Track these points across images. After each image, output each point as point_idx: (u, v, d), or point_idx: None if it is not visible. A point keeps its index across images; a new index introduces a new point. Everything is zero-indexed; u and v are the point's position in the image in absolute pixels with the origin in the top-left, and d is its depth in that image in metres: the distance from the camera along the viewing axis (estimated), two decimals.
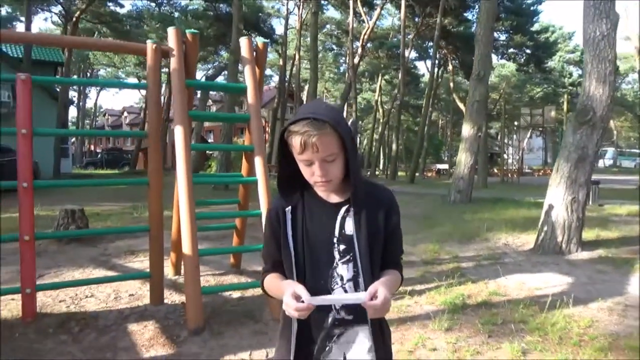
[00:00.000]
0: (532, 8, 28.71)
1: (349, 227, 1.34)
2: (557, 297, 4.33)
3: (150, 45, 3.90)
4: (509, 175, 28.38)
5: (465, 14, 28.54)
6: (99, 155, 44.96)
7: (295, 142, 1.25)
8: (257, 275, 4.74)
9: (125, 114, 65.11)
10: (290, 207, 1.37)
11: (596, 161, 12.60)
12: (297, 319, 1.26)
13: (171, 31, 3.99)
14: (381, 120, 36.38)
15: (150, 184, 3.91)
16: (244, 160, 4.72)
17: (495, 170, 32.80)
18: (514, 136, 45.97)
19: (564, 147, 6.22)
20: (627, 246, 6.43)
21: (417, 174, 28.12)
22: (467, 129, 11.32)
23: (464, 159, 11.30)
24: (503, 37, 30.62)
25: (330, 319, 1.33)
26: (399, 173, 33.12)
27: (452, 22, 28.06)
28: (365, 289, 1.25)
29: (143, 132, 3.93)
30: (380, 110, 37.91)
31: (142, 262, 5.54)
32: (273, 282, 1.39)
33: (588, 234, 7.02)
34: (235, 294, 4.41)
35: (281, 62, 29.92)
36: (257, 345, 3.32)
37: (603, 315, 4.02)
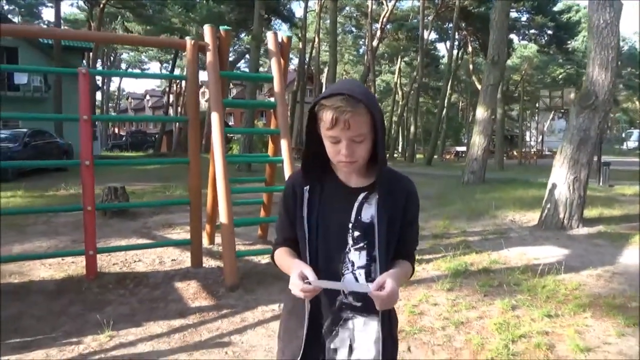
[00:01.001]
0: None
1: (366, 215, 1.32)
2: (551, 265, 4.82)
3: (189, 42, 4.46)
4: (529, 157, 28.42)
5: None
6: (124, 138, 46.07)
7: (326, 116, 1.21)
8: None
9: (148, 97, 66.24)
10: (308, 186, 1.35)
11: (600, 142, 12.82)
12: (310, 300, 1.29)
13: (207, 28, 4.54)
14: (400, 103, 36.52)
15: (190, 163, 4.51)
16: (270, 141, 5.29)
17: (515, 153, 32.77)
18: (536, 118, 45.58)
19: (568, 130, 6.62)
20: (627, 223, 6.84)
21: (435, 157, 28.39)
22: (481, 112, 11.68)
23: (477, 141, 11.68)
24: (524, 17, 30.32)
25: (337, 303, 1.33)
26: (418, 155, 33.37)
27: (472, 3, 27.92)
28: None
29: (185, 118, 4.49)
30: (400, 93, 38.00)
31: (178, 234, 6.18)
32: (283, 258, 1.38)
33: (591, 212, 7.43)
34: (264, 260, 5.03)
35: (300, 46, 30.22)
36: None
37: (591, 280, 4.51)
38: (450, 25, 29.92)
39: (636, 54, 47.13)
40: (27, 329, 3.30)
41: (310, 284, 1.19)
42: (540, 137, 33.19)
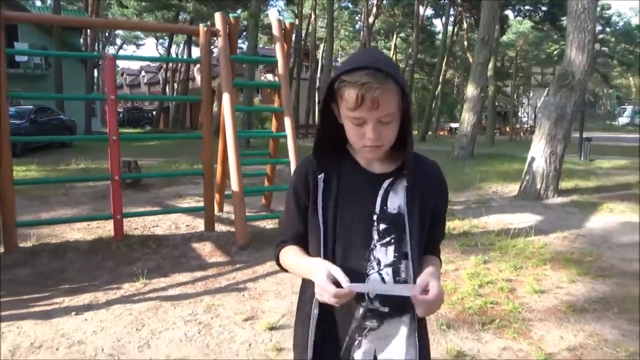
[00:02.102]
0: None
1: (393, 205, 1.14)
2: (524, 229, 5.45)
3: (202, 28, 4.95)
4: (520, 133, 29.00)
5: None
6: (121, 115, 46.15)
7: (350, 95, 1.03)
8: None
9: (143, 73, 65.81)
10: (323, 174, 1.16)
11: (582, 119, 13.38)
12: (319, 304, 1.11)
13: (218, 16, 5.02)
14: None
15: (204, 138, 5.05)
16: (273, 119, 5.83)
17: (508, 129, 33.31)
18: (530, 94, 45.95)
19: (546, 107, 7.18)
20: (599, 193, 7.48)
21: (429, 133, 28.90)
22: (470, 90, 12.20)
23: (467, 117, 12.24)
24: None
25: (361, 310, 1.13)
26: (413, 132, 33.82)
27: None
28: (414, 276, 1.09)
29: (198, 97, 5.00)
30: None
31: (189, 203, 6.76)
32: (295, 257, 1.19)
33: (568, 183, 8.06)
34: (269, 225, 5.63)
35: (297, 22, 30.34)
36: None
37: (556, 241, 5.15)
38: (446, 0, 30.07)
39: (631, 30, 47.32)
40: (71, 279, 3.90)
41: (342, 287, 1.00)
42: (533, 113, 33.66)
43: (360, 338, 1.15)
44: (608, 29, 46.95)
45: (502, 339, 2.88)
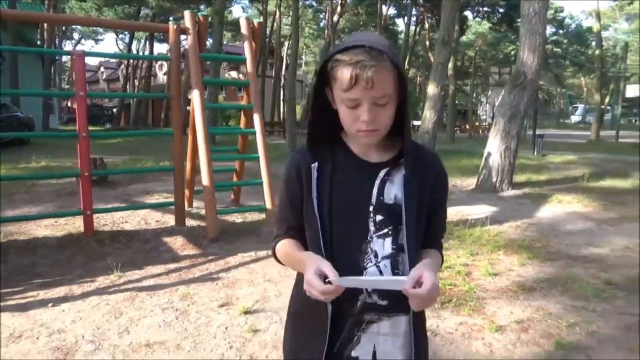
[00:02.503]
0: None
1: (389, 195, 1.11)
2: (480, 219, 5.80)
3: (171, 26, 5.04)
4: (479, 130, 29.99)
5: None
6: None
7: (343, 74, 1.00)
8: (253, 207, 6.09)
9: (102, 69, 64.03)
10: (317, 164, 1.12)
11: (535, 117, 14.08)
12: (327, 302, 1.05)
13: (187, 14, 5.12)
14: None
15: (174, 134, 5.15)
16: (242, 115, 5.96)
17: (468, 127, 34.36)
18: (489, 93, 47.44)
19: (501, 106, 7.60)
20: (549, 186, 7.97)
21: None
22: (431, 89, 12.55)
23: (428, 115, 12.58)
24: None
25: (359, 303, 1.10)
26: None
27: None
28: (410, 269, 1.03)
29: (166, 95, 5.08)
30: None
31: (157, 199, 6.79)
32: (289, 252, 1.17)
33: (521, 177, 8.54)
34: (238, 219, 5.77)
35: (261, 19, 30.28)
36: (259, 249, 4.65)
37: (510, 229, 5.52)
38: (408, 1, 30.71)
39: (582, 32, 49.54)
40: (44, 274, 3.94)
41: (331, 283, 0.97)
42: (491, 111, 34.83)
43: (359, 333, 1.11)
44: (561, 31, 49.03)
45: (459, 316, 3.15)
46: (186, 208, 6.15)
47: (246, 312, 3.14)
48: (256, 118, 5.22)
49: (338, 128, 1.13)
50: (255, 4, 31.54)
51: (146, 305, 3.29)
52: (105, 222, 5.55)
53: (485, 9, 31.33)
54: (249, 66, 5.32)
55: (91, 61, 69.47)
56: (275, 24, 32.26)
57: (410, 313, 1.11)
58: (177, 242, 4.84)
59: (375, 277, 1.08)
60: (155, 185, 7.76)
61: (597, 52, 23.18)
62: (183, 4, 24.27)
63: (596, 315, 3.18)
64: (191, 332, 2.89)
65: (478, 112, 48.66)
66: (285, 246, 1.18)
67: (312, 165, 1.12)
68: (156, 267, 4.12)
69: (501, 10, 31.24)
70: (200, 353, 2.65)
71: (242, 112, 5.99)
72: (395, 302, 1.08)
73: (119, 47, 48.38)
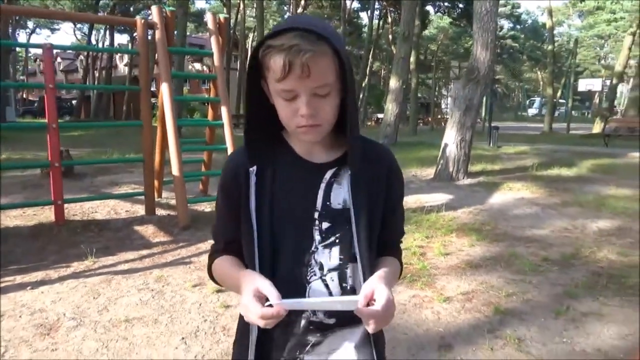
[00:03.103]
0: None
1: (337, 199, 1.00)
2: (437, 206, 6.20)
3: (139, 20, 5.17)
4: (442, 123, 30.86)
5: None
6: (35, 104, 43.35)
7: (276, 62, 0.86)
8: None
9: (59, 59, 61.83)
10: (255, 168, 1.00)
11: (490, 110, 14.76)
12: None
13: (154, 9, 5.26)
14: None
15: (143, 125, 5.29)
16: (209, 108, 6.14)
17: (430, 119, 35.26)
18: (450, 86, 48.65)
19: (456, 99, 8.04)
20: (501, 175, 8.50)
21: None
22: (393, 82, 13.05)
23: (390, 108, 13.11)
24: None
25: (303, 323, 1.00)
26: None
27: None
28: (363, 281, 0.94)
29: (138, 88, 5.21)
30: None
31: (125, 190, 6.90)
32: (227, 270, 1.03)
33: (476, 167, 9.04)
34: (207, 208, 5.97)
35: (225, 11, 30.09)
36: None
37: (463, 215, 5.94)
38: None
39: (538, 28, 51.40)
40: (19, 261, 4.06)
41: (272, 306, 0.85)
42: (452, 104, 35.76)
43: (301, 356, 1.00)
44: (518, 26, 50.72)
45: (412, 290, 3.50)
46: (155, 198, 6.31)
47: (218, 291, 3.38)
48: (224, 110, 5.42)
49: (279, 124, 0.98)
50: None
51: (122, 287, 3.49)
52: (74, 212, 5.64)
53: (446, 4, 32.12)
54: (216, 60, 5.51)
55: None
56: (239, 16, 32.13)
57: (360, 330, 1.01)
58: (148, 230, 5.01)
59: (323, 297, 0.97)
60: (122, 176, 7.83)
61: (549, 47, 24.19)
62: None
63: (532, 286, 3.60)
64: (167, 309, 3.12)
65: (441, 105, 49.80)
66: (222, 264, 1.04)
67: (251, 169, 0.99)
68: (129, 253, 4.30)
69: (461, 5, 32.11)
70: (177, 326, 2.89)
71: (208, 105, 6.17)
72: (343, 320, 0.96)
73: (76, 37, 46.90)
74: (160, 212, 5.73)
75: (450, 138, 7.99)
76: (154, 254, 4.32)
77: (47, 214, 5.35)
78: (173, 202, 6.00)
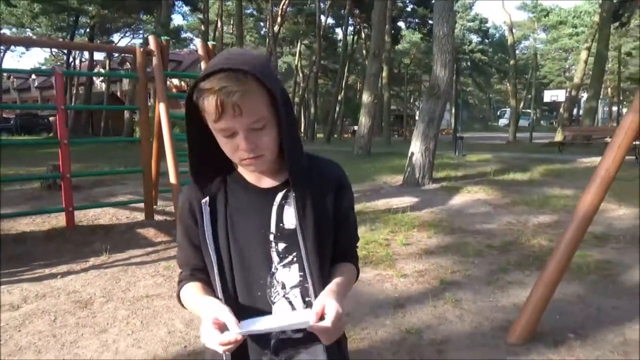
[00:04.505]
0: None
1: (290, 220, 1.04)
2: (403, 207, 7.05)
3: (138, 49, 5.92)
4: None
5: None
6: (12, 121, 43.12)
7: (209, 104, 0.91)
8: None
9: (34, 76, 61.43)
10: (207, 199, 1.04)
11: (455, 121, 15.78)
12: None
13: (152, 38, 6.00)
14: (301, 85, 38.53)
15: (142, 142, 6.02)
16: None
17: (403, 130, 36.47)
18: (422, 99, 50.19)
19: (421, 112, 8.97)
20: (463, 180, 9.43)
21: (335, 135, 30.96)
22: (365, 97, 14.02)
23: (364, 121, 14.06)
24: (409, 7, 33.68)
25: (272, 342, 1.03)
26: (318, 135, 35.84)
27: None
28: (315, 297, 1.00)
29: (136, 107, 5.94)
30: (300, 75, 39.99)
31: (121, 200, 7.56)
32: (192, 297, 1.05)
33: (441, 173, 9.97)
34: None
35: (203, 28, 30.87)
36: None
37: (426, 214, 6.80)
38: (345, 11, 32.35)
39: (505, 42, 53.55)
40: (42, 258, 4.72)
41: (230, 331, 0.90)
42: None
43: None
44: (486, 40, 52.80)
45: (377, 270, 4.31)
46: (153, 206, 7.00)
47: None
48: None
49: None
50: (197, 13, 32.01)
51: (137, 274, 4.21)
52: (80, 219, 6.29)
53: (416, 20, 33.56)
54: None
55: (23, 65, 66.34)
56: (217, 33, 32.91)
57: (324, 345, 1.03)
58: (149, 233, 5.71)
59: (277, 317, 1.00)
60: (115, 188, 8.48)
61: (511, 62, 25.69)
62: (125, 12, 24.44)
63: (473, 266, 4.45)
64: None
65: (415, 116, 51.28)
66: (187, 292, 1.08)
67: (203, 201, 1.04)
68: (137, 251, 5.00)
69: (430, 22, 33.62)
70: None
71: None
72: (311, 333, 0.96)
73: (52, 54, 47.00)
74: (157, 217, 6.43)
75: (416, 147, 8.89)
76: (159, 250, 5.03)
77: (55, 221, 6.00)
78: (168, 208, 6.73)
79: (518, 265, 4.41)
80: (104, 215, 6.50)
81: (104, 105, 30.92)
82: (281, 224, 1.05)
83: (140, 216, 6.36)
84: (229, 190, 1.07)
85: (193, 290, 1.07)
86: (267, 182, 1.07)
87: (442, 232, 5.73)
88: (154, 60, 5.94)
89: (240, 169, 1.07)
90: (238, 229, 1.04)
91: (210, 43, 6.55)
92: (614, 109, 38.73)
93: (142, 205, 6.38)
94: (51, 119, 38.59)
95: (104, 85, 36.64)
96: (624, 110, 19.47)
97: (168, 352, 2.81)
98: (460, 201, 7.65)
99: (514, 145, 21.47)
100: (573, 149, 16.30)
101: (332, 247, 1.09)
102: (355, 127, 42.50)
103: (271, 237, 1.04)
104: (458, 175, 10.15)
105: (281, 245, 1.05)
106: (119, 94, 47.36)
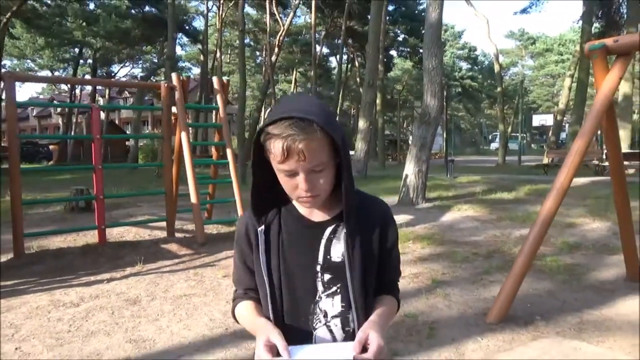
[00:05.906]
0: (424, 14, 33.18)
1: (336, 253, 1.13)
2: (399, 224, 7.75)
3: (163, 85, 6.71)
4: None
5: (368, 17, 32.37)
6: None
7: (276, 148, 1.01)
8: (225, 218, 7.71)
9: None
10: (263, 227, 1.15)
11: (446, 145, 16.58)
12: None
13: (174, 76, 6.81)
14: None
15: (165, 166, 6.74)
16: (213, 150, 7.65)
17: (397, 154, 37.42)
18: (415, 124, 51.45)
19: (413, 137, 9.77)
20: (454, 199, 10.18)
21: None
22: (361, 123, 14.90)
23: (360, 146, 14.91)
24: (401, 37, 35.12)
25: None
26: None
27: (357, 23, 31.87)
28: (358, 328, 1.08)
29: (160, 135, 6.67)
30: None
31: (141, 219, 8.23)
32: (246, 316, 1.19)
33: (433, 194, 10.73)
34: (214, 231, 7.37)
35: (202, 58, 32.03)
36: None
37: (420, 229, 7.52)
38: (340, 41, 33.70)
39: (494, 68, 55.27)
40: (82, 268, 5.38)
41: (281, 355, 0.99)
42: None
43: None
44: (476, 67, 54.51)
45: None
46: None
47: None
48: (228, 152, 6.93)
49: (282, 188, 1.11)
50: (196, 44, 33.23)
51: (172, 279, 4.87)
52: (109, 236, 6.95)
53: (408, 49, 34.93)
54: (221, 112, 7.06)
55: (21, 97, 67.27)
56: (216, 62, 34.09)
57: None
58: (173, 247, 6.38)
59: (323, 349, 1.07)
60: (134, 210, 9.16)
61: (499, 89, 26.88)
62: (129, 44, 25.48)
63: (461, 269, 5.15)
64: (210, 289, 4.52)
65: (408, 140, 52.43)
66: (243, 309, 1.20)
67: (259, 229, 1.14)
68: (166, 262, 5.67)
69: (421, 50, 35.01)
70: (220, 296, 4.30)
71: (212, 147, 7.69)
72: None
73: (54, 85, 48.02)
74: (177, 234, 7.10)
75: (410, 169, 9.66)
76: (185, 261, 5.70)
77: (85, 239, 6.65)
78: (186, 227, 7.41)
79: (499, 269, 5.11)
80: (128, 233, 7.16)
81: (105, 134, 31.70)
82: (328, 256, 1.13)
83: (160, 233, 7.03)
84: (283, 220, 1.17)
85: (250, 310, 1.18)
86: (318, 216, 1.16)
87: (434, 243, 6.43)
88: (176, 94, 6.74)
89: (295, 203, 1.17)
90: (289, 257, 1.14)
91: (225, 78, 7.36)
92: (598, 132, 39.88)
93: (161, 224, 7.07)
94: (51, 147, 39.39)
95: (102, 115, 37.57)
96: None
97: (213, 332, 3.48)
98: (451, 218, 8.38)
99: (502, 167, 22.37)
100: (557, 170, 17.07)
101: (375, 280, 1.17)
102: (351, 152, 43.49)
103: (318, 268, 1.14)
104: (449, 195, 10.90)
105: (326, 276, 1.13)
106: (117, 121, 48.36)
